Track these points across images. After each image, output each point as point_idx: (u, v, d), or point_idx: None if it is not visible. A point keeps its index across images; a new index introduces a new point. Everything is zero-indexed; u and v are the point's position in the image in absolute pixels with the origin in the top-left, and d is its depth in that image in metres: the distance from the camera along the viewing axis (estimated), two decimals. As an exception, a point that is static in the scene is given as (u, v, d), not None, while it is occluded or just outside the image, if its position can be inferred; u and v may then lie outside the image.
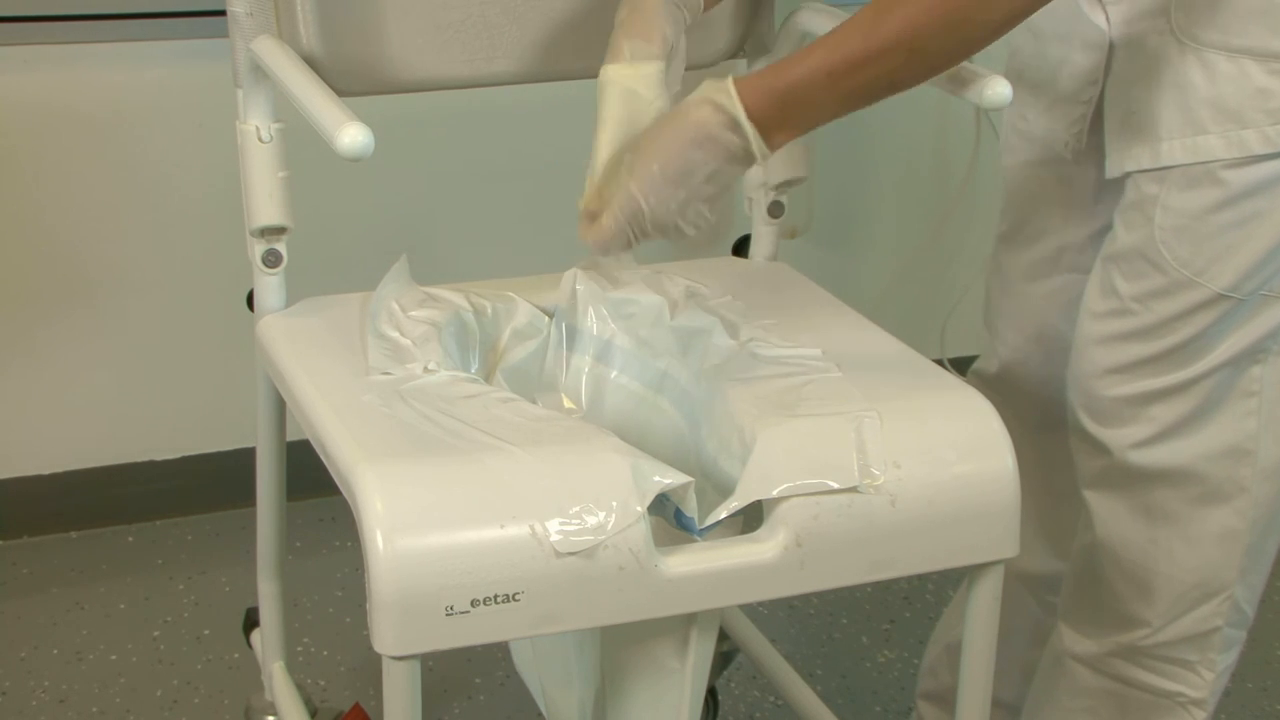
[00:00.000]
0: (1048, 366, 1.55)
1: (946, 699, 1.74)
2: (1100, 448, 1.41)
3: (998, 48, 1.22)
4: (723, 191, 1.20)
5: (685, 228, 1.20)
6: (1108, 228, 1.46)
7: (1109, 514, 1.42)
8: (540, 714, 1.51)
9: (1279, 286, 1.32)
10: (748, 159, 1.18)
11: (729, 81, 1.17)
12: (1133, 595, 1.43)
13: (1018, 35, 1.48)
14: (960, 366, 1.64)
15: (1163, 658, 1.44)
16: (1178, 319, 1.33)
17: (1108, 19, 1.34)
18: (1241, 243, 1.30)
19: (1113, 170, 1.36)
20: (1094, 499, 1.43)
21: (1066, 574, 1.51)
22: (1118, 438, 1.39)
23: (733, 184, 1.21)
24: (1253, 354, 1.35)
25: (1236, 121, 1.27)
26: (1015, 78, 1.40)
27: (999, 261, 1.58)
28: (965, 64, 1.36)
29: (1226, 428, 1.37)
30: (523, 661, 1.49)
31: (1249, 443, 1.37)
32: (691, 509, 1.16)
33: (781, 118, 1.16)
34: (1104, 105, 1.37)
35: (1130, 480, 1.40)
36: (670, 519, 1.19)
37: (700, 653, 1.23)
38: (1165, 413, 1.36)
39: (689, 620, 1.21)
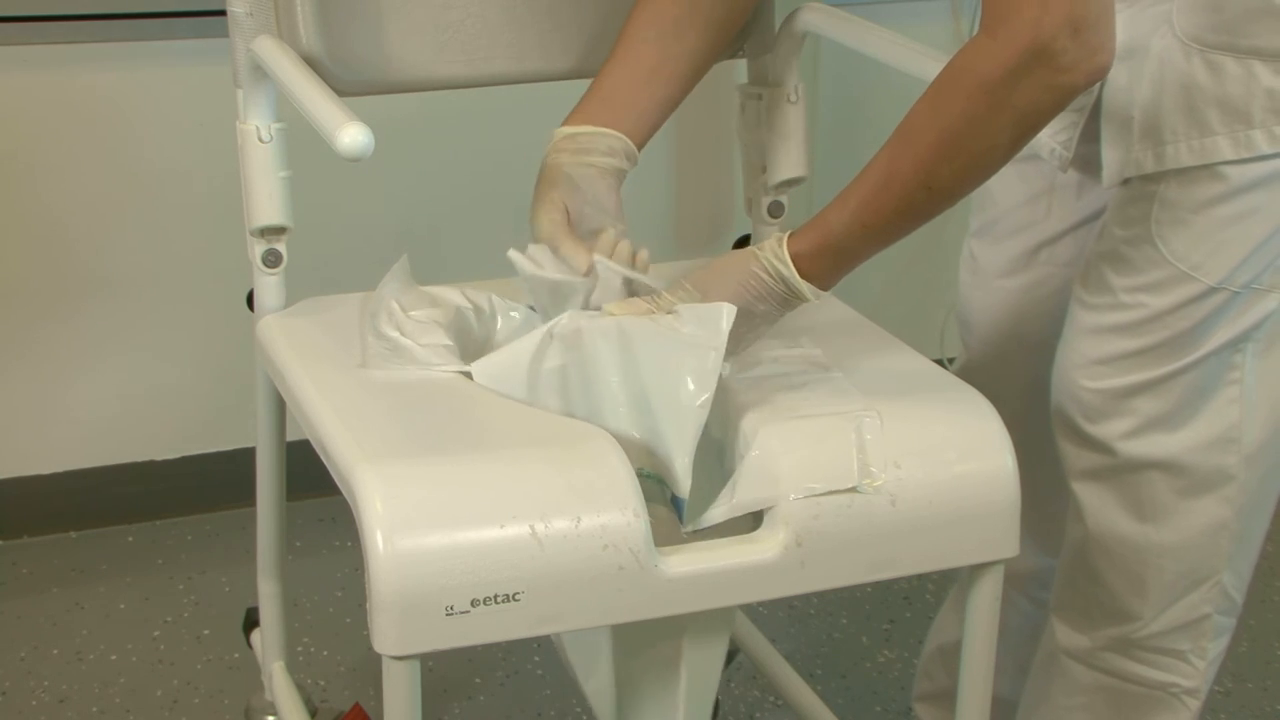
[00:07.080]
0: (1022, 361, 1.55)
1: (943, 700, 1.74)
2: (1086, 440, 1.41)
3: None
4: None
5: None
6: (1089, 220, 1.46)
7: (1098, 506, 1.42)
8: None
9: (1267, 281, 1.33)
10: (798, 302, 1.26)
11: (784, 248, 1.24)
12: (1124, 587, 1.43)
13: None
14: (960, 366, 1.64)
15: (1155, 649, 1.44)
16: (1170, 313, 1.33)
17: None
18: (1237, 236, 1.30)
19: (1110, 179, 1.35)
20: (1082, 491, 1.43)
21: (1058, 569, 1.51)
22: (1103, 430, 1.39)
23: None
24: (1235, 344, 1.35)
25: (1244, 121, 1.27)
26: None
27: (973, 256, 1.58)
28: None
29: (1212, 419, 1.37)
30: (562, 650, 1.48)
31: (1233, 431, 1.38)
32: (685, 492, 1.16)
33: (831, 269, 1.25)
34: (1099, 113, 1.37)
35: (1118, 472, 1.40)
36: (670, 511, 1.19)
37: (707, 654, 1.23)
38: (1149, 405, 1.37)
39: (695, 620, 1.21)
